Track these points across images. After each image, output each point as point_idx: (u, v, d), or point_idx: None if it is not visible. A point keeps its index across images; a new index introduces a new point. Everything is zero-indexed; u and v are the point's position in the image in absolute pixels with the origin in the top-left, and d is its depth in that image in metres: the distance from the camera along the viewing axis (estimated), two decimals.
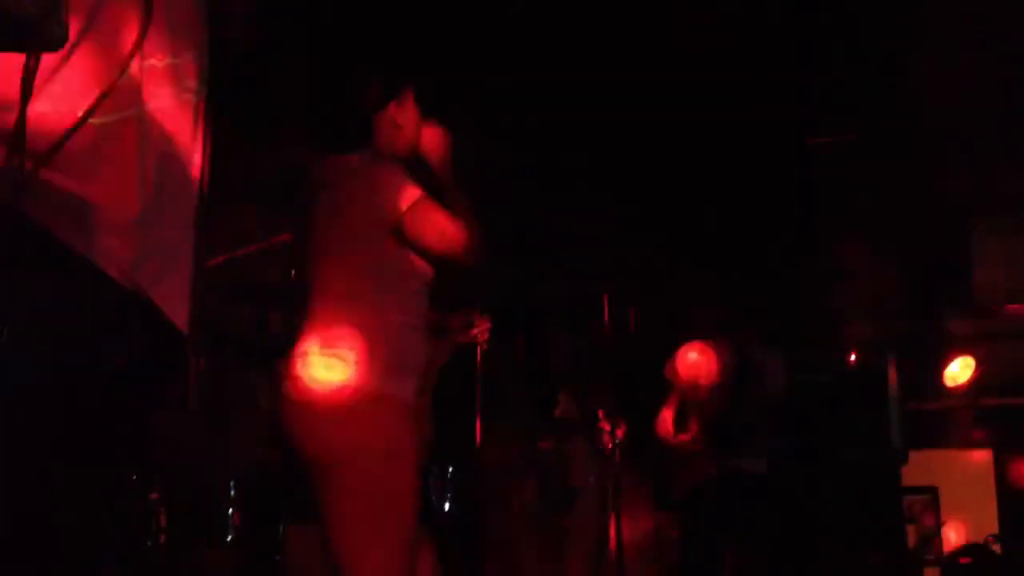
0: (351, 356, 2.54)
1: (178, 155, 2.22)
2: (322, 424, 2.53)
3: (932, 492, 6.41)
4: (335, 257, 2.68)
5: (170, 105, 2.14)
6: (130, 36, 1.85)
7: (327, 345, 2.57)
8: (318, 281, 2.69)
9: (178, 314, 2.26)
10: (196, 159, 2.32)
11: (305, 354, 2.59)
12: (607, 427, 4.82)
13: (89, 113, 1.62)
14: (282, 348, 2.76)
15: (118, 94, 1.79)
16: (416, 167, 2.81)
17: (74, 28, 1.59)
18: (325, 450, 2.52)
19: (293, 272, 3.67)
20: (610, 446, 4.81)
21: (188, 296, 2.29)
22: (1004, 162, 5.96)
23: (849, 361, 6.36)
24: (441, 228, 2.63)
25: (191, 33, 2.30)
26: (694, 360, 4.94)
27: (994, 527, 6.16)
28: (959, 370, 6.76)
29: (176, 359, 2.47)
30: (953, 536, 6.29)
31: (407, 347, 2.64)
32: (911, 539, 6.23)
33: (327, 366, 2.53)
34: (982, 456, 6.61)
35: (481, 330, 3.71)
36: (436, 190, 2.74)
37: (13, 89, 1.45)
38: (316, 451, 2.54)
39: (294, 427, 2.58)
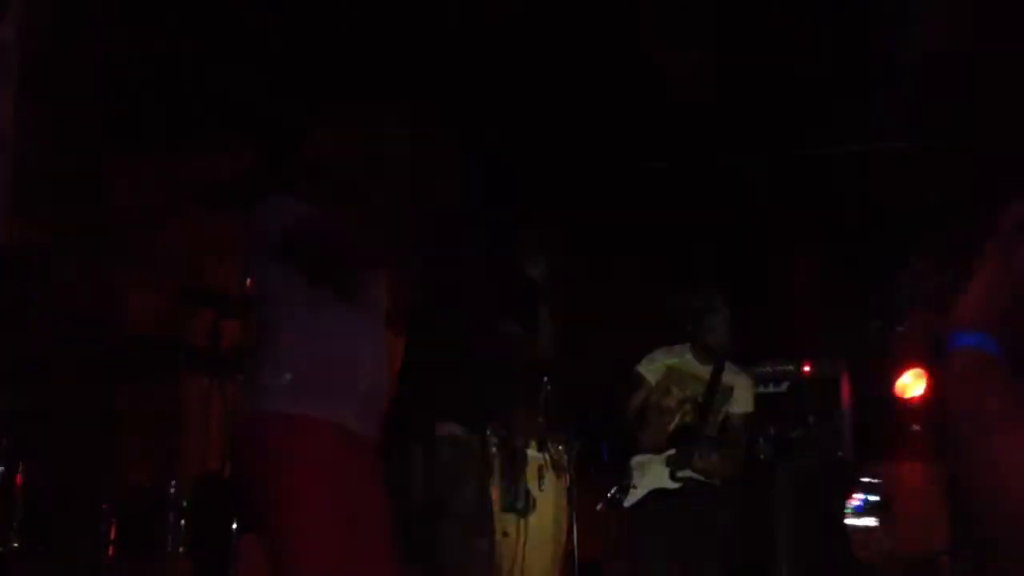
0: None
1: None
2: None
3: (883, 503, 6.45)
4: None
5: None
6: None
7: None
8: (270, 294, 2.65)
9: None
10: None
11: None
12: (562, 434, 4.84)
13: None
14: (235, 359, 2.72)
15: None
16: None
17: None
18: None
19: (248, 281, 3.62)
20: (565, 454, 4.82)
21: None
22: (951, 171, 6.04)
23: (802, 372, 6.40)
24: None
25: None
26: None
27: (944, 539, 6.20)
28: (911, 382, 6.80)
29: None
30: (902, 548, 6.33)
31: (360, 359, 2.61)
32: (860, 550, 6.26)
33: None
34: (934, 468, 6.66)
35: None
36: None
37: None
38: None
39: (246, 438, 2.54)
